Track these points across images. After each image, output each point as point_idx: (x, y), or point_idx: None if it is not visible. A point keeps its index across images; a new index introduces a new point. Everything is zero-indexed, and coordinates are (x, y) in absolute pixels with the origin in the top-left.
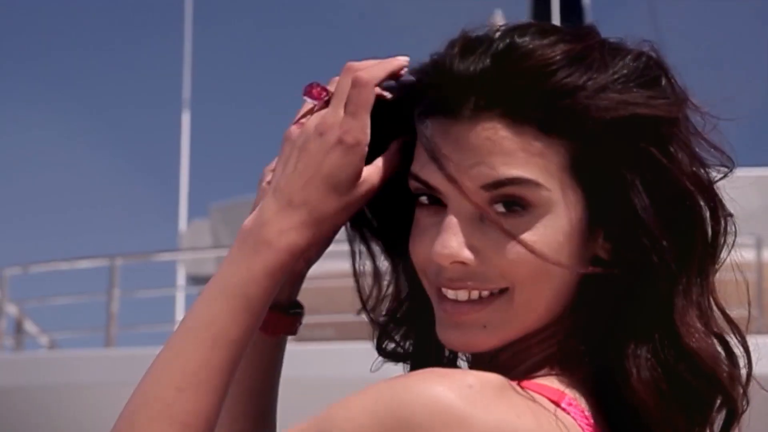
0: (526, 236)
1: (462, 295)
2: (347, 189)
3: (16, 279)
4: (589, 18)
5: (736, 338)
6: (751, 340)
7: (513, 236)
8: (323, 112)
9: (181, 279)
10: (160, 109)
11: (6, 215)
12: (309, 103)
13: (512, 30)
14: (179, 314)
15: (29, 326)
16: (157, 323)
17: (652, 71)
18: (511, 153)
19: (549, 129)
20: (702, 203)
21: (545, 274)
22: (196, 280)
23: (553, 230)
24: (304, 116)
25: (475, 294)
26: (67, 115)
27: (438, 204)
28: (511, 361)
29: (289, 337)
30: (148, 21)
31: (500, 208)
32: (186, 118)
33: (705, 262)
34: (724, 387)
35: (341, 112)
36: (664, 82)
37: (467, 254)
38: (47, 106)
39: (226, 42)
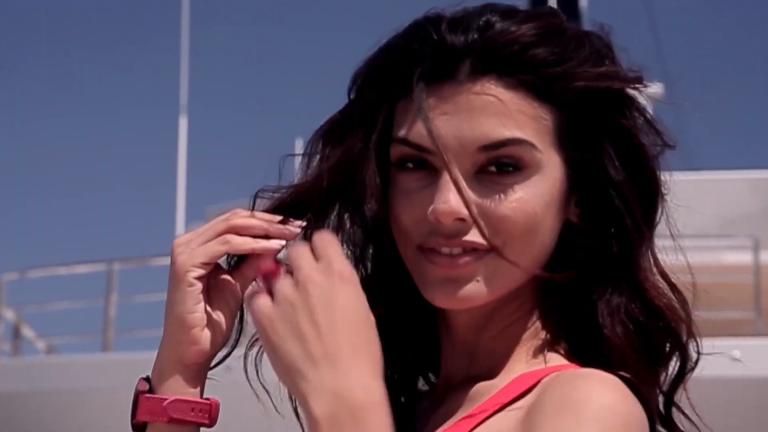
0: (520, 194)
1: (457, 250)
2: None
3: (14, 284)
4: (586, 20)
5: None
6: (750, 342)
7: (512, 192)
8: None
9: None
10: (157, 114)
11: (3, 220)
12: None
13: (499, 7)
14: None
15: (27, 331)
16: (155, 328)
17: (611, 51)
18: (507, 114)
19: (540, 93)
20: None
21: (534, 231)
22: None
23: (541, 190)
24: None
25: (469, 249)
26: (64, 118)
27: (425, 168)
28: (500, 345)
29: None
30: (145, 25)
31: (492, 168)
32: (183, 123)
33: (656, 225)
34: (681, 341)
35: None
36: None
37: (467, 210)
38: (44, 109)
39: (224, 46)
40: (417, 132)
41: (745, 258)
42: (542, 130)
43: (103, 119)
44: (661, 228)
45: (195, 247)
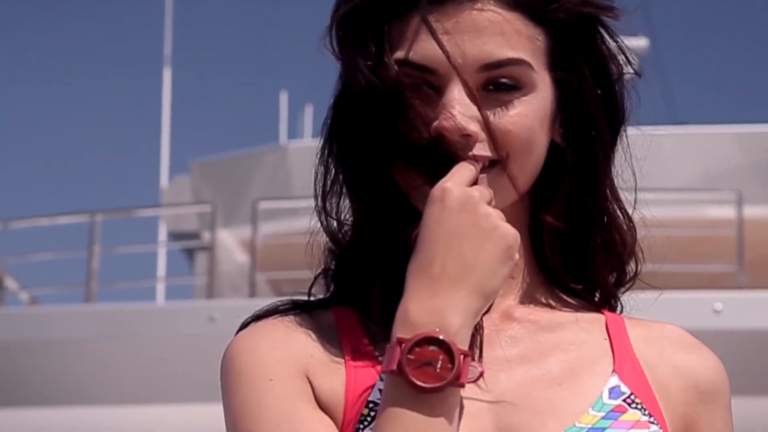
0: (519, 109)
1: None
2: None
3: None
4: None
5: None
6: (732, 295)
7: (512, 108)
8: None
9: (162, 235)
10: (141, 65)
11: None
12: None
13: None
14: (160, 270)
15: (9, 282)
16: (138, 279)
17: None
18: (507, 34)
19: (534, 16)
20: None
21: (532, 146)
22: (177, 237)
23: (536, 107)
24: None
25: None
26: (48, 69)
27: (421, 88)
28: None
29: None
30: None
31: (491, 86)
32: (167, 75)
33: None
34: (633, 251)
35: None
36: None
37: (472, 126)
38: (28, 61)
39: None
40: (418, 52)
41: (728, 212)
42: (536, 51)
43: (88, 71)
44: (644, 182)
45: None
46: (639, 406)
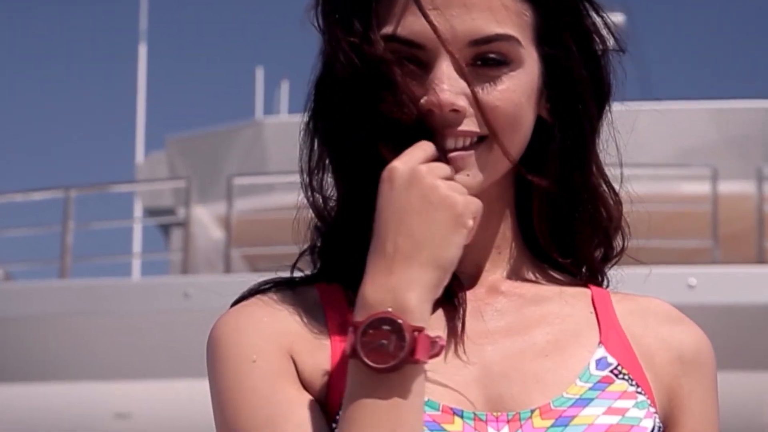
0: (507, 84)
1: (450, 143)
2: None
3: None
4: None
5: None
6: (706, 270)
7: (500, 83)
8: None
9: (137, 211)
10: (117, 41)
11: None
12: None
13: None
14: (135, 246)
15: None
16: (113, 255)
17: None
18: (495, 10)
19: None
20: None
21: (520, 121)
22: (153, 212)
23: (524, 83)
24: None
25: (460, 141)
26: (24, 47)
27: (412, 64)
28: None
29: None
30: None
31: (479, 62)
32: (143, 50)
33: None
34: (620, 226)
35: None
36: None
37: (461, 101)
38: (2, 37)
39: None
40: (406, 27)
41: (703, 188)
42: (524, 26)
43: (63, 47)
44: (623, 157)
45: (466, 194)
46: (626, 377)
